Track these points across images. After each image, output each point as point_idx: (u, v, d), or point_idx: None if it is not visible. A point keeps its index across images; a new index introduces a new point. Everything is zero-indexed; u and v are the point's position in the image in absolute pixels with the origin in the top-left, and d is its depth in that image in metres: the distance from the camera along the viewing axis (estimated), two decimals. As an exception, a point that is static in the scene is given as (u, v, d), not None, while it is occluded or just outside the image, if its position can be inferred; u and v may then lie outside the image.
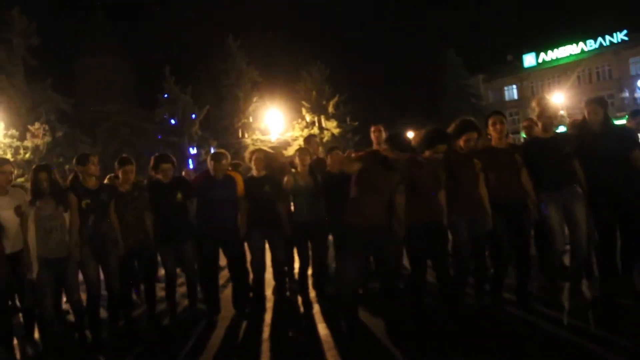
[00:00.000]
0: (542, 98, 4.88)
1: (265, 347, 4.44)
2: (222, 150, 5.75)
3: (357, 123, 35.46)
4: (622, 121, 7.91)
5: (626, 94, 36.64)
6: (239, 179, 5.57)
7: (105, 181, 6.02)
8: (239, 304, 5.48)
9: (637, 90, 35.64)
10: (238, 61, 33.78)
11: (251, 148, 7.26)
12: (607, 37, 40.58)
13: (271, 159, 5.66)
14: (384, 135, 6.04)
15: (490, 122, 4.68)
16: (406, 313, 4.49)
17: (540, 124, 4.77)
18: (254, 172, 5.61)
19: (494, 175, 4.54)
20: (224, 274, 6.44)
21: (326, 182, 5.59)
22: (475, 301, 4.74)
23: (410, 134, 6.80)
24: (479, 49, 57.78)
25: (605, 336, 3.91)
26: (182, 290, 5.90)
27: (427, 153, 4.30)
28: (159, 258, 5.58)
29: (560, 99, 34.00)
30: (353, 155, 5.49)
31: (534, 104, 4.83)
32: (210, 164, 5.42)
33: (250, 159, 5.67)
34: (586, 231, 4.65)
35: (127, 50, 53.99)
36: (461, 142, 4.46)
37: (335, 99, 35.93)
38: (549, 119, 4.70)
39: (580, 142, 4.70)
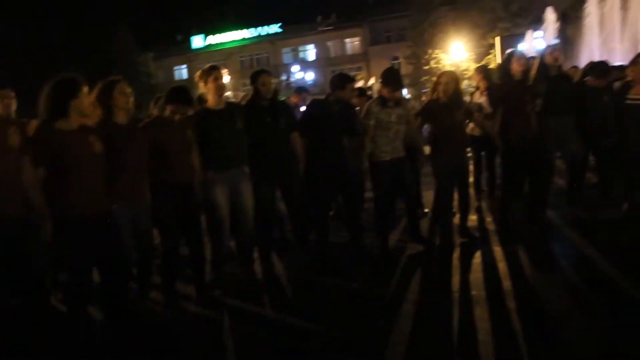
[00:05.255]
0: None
1: None
2: None
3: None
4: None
5: (284, 77, 41.46)
6: None
7: None
8: None
9: (292, 75, 40.75)
10: None
11: None
12: (265, 28, 45.02)
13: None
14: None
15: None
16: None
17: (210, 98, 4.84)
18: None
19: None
20: None
21: None
22: None
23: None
24: (148, 28, 55.71)
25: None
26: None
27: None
28: None
29: (226, 80, 36.14)
30: None
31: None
32: None
33: None
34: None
35: None
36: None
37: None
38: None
39: None
